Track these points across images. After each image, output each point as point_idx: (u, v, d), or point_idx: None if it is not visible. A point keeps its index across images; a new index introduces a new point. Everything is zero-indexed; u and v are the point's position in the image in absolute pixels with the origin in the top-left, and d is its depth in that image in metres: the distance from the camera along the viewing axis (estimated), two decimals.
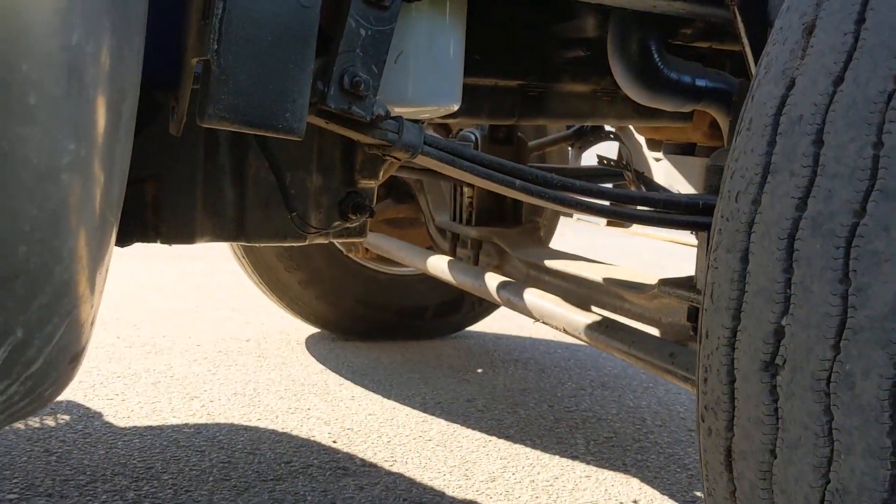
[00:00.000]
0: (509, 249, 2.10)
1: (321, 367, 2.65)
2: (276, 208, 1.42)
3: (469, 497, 1.78)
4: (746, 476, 0.77)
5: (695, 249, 1.60)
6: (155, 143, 1.29)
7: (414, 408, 2.33)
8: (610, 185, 2.29)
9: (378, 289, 2.85)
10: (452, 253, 2.29)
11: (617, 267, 1.87)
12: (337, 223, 1.47)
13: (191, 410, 2.19)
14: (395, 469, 1.90)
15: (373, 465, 1.91)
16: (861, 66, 0.70)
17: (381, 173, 1.49)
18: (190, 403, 2.24)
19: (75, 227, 0.71)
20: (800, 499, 0.71)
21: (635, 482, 1.91)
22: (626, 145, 2.18)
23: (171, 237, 1.36)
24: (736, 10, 1.27)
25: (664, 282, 1.53)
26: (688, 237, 5.51)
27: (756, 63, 1.25)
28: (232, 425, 2.10)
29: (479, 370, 2.73)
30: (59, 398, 2.00)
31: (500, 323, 3.30)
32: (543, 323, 1.77)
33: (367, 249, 2.65)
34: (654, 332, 1.63)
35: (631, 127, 2.19)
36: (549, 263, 1.95)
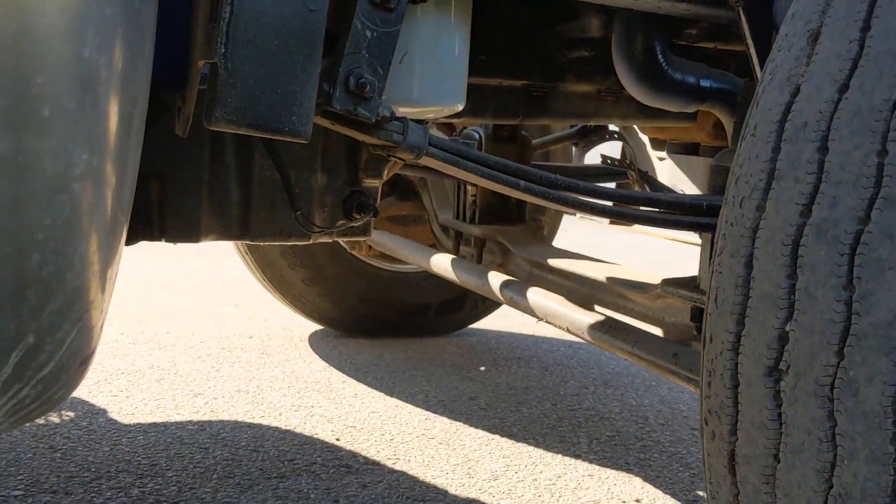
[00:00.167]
0: (512, 247, 2.10)
1: (324, 364, 2.66)
2: (281, 207, 1.42)
3: (472, 495, 1.79)
4: (750, 480, 0.77)
5: (698, 248, 1.60)
6: (161, 143, 1.29)
7: (417, 405, 2.33)
8: (613, 185, 2.30)
9: (381, 286, 2.85)
10: (455, 251, 2.29)
11: (620, 266, 1.87)
12: (341, 222, 1.47)
13: (194, 407, 2.20)
14: (397, 467, 1.90)
15: (376, 463, 1.92)
16: (866, 74, 0.71)
17: (385, 172, 1.49)
18: (194, 400, 2.25)
19: (87, 232, 0.71)
20: (802, 503, 0.72)
21: (638, 481, 1.92)
22: (629, 145, 2.18)
23: (176, 236, 1.36)
24: (741, 11, 1.27)
25: (667, 282, 1.54)
26: (691, 235, 5.50)
27: (761, 64, 1.25)
28: (235, 422, 2.11)
29: (482, 368, 2.74)
30: None
31: (503, 321, 3.30)
32: (547, 322, 1.77)
33: (370, 247, 2.65)
34: (658, 331, 1.64)
35: (635, 126, 2.19)
36: (553, 262, 1.95)
